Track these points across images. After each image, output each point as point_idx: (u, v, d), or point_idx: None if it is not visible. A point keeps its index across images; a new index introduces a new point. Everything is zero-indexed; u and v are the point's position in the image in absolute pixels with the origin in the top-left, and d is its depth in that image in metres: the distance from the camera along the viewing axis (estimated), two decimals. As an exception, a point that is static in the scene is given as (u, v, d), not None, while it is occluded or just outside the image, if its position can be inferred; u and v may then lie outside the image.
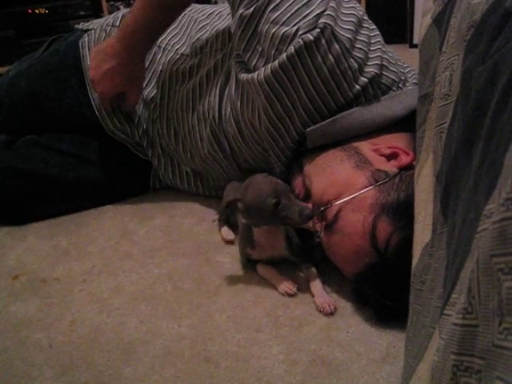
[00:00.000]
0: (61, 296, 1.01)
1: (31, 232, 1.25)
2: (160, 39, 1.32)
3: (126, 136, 1.35)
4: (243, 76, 1.02)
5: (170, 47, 1.31)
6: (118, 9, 3.06)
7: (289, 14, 0.95)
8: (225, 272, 1.04)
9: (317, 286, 0.96)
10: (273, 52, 0.96)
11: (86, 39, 1.37)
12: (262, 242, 1.00)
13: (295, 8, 0.95)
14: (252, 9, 0.99)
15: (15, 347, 0.88)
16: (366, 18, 1.01)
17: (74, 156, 1.33)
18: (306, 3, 0.95)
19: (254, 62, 1.01)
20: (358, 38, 0.95)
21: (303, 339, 0.86)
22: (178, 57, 1.29)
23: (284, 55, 0.93)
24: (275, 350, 0.84)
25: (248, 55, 1.02)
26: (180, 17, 1.34)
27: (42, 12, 2.57)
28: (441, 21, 0.76)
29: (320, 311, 0.91)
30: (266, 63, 0.97)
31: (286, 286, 0.97)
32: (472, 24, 0.58)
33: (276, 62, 0.94)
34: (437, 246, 0.58)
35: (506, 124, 0.42)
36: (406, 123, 0.96)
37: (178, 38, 1.31)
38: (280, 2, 0.96)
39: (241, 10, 1.01)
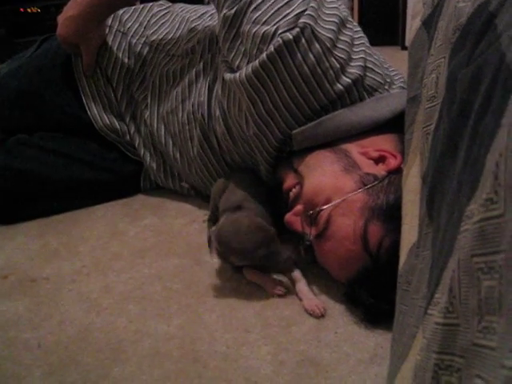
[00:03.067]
0: (50, 296, 1.01)
1: (21, 231, 1.24)
2: (152, 39, 1.33)
3: (116, 136, 1.35)
4: (227, 76, 1.03)
5: (161, 47, 1.32)
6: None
7: (269, 14, 0.96)
8: (214, 272, 1.04)
9: (303, 288, 0.96)
10: (254, 51, 0.97)
11: (78, 39, 1.37)
12: None
13: (276, 8, 0.96)
14: (234, 9, 1.00)
15: (3, 347, 0.88)
16: (349, 19, 1.01)
17: (64, 155, 1.32)
18: (286, 3, 0.95)
19: (237, 62, 1.01)
20: (341, 38, 0.96)
21: (292, 339, 0.86)
22: (169, 58, 1.30)
23: (264, 54, 0.94)
24: (264, 351, 0.84)
25: (232, 55, 1.03)
26: (172, 17, 1.35)
27: (34, 11, 2.57)
28: (430, 23, 0.77)
29: (310, 314, 0.91)
30: (248, 63, 0.98)
31: (275, 287, 0.97)
32: (458, 27, 0.59)
33: (257, 61, 0.95)
34: (422, 246, 0.58)
35: (488, 126, 0.42)
36: (393, 125, 0.97)
37: (170, 38, 1.31)
38: (261, 2, 0.97)
39: (224, 11, 1.02)
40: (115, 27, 1.37)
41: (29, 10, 2.56)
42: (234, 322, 0.90)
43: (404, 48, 2.67)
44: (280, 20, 0.94)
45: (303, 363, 0.81)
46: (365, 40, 1.02)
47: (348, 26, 0.99)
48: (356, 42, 0.98)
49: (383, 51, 1.13)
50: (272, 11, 0.96)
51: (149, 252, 1.13)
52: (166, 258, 1.10)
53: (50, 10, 2.54)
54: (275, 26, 0.94)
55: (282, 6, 0.95)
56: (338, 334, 0.86)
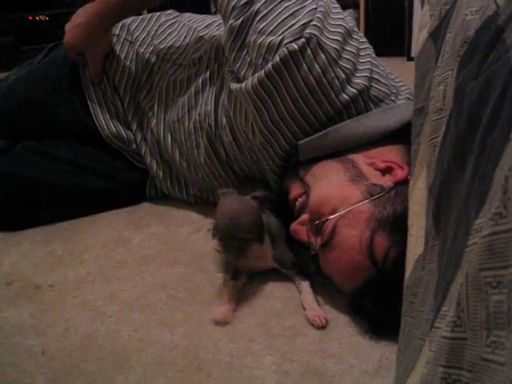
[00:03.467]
0: (54, 303, 1.01)
1: (26, 238, 1.25)
2: (159, 48, 1.33)
3: (122, 144, 1.36)
4: (233, 85, 1.04)
5: (168, 57, 1.32)
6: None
7: (275, 24, 0.96)
8: (219, 282, 1.04)
9: (308, 298, 0.96)
10: (260, 61, 0.97)
11: (86, 47, 1.38)
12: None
13: (281, 18, 0.96)
14: (240, 20, 1.00)
15: (7, 353, 0.88)
16: (355, 29, 1.02)
17: (70, 163, 1.33)
18: (292, 13, 0.96)
19: (243, 72, 1.02)
20: (346, 48, 0.96)
21: (296, 350, 0.86)
22: (176, 67, 1.30)
23: (270, 64, 0.94)
24: (268, 361, 0.84)
25: (238, 65, 1.03)
26: (179, 26, 1.35)
27: (43, 19, 2.59)
28: (437, 35, 0.77)
29: (312, 324, 0.91)
30: (254, 73, 0.99)
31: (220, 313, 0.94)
32: (466, 40, 0.59)
33: (262, 71, 0.96)
34: (429, 258, 0.58)
35: (496, 139, 0.42)
36: (399, 136, 0.97)
37: (177, 48, 1.32)
38: (267, 13, 0.98)
39: (230, 21, 1.02)
40: (123, 36, 1.37)
41: (37, 18, 2.58)
42: (238, 332, 0.90)
43: (410, 59, 2.68)
44: (285, 30, 0.95)
45: (307, 374, 0.81)
46: (370, 51, 1.02)
47: (354, 36, 0.99)
48: (362, 53, 0.99)
49: (389, 62, 1.13)
50: (278, 22, 0.96)
51: (154, 260, 1.13)
52: (170, 267, 1.10)
53: (58, 17, 2.56)
54: (281, 37, 0.94)
55: (287, 17, 0.96)
56: (342, 345, 0.86)
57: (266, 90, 0.96)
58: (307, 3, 0.97)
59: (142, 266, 1.10)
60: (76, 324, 0.94)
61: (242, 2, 1.00)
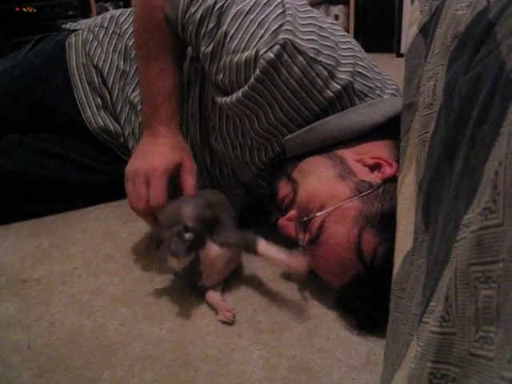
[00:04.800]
0: (41, 297, 1.00)
1: (12, 232, 1.23)
2: None
3: (110, 137, 1.34)
4: (219, 99, 1.03)
5: None
6: (107, 10, 3.06)
7: (246, 40, 0.96)
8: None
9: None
10: (242, 78, 0.97)
11: (73, 40, 1.37)
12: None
13: (250, 32, 0.96)
14: (212, 45, 1.00)
15: (-7, 348, 0.88)
16: (329, 23, 1.01)
17: (57, 156, 1.31)
18: (259, 24, 0.95)
19: (228, 89, 1.01)
20: (324, 43, 0.95)
21: (284, 345, 0.86)
22: None
23: (252, 78, 0.94)
24: (255, 355, 0.84)
25: (220, 83, 1.03)
26: None
27: (30, 11, 2.56)
28: (427, 31, 0.77)
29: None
30: (238, 88, 0.98)
31: (226, 314, 0.92)
32: (456, 35, 0.59)
33: (246, 86, 0.95)
34: (417, 254, 0.58)
35: (486, 134, 0.42)
36: (386, 130, 0.97)
37: None
38: (235, 31, 0.97)
39: (202, 48, 1.02)
40: (111, 29, 1.36)
41: (24, 10, 2.56)
42: (226, 327, 0.90)
43: (399, 55, 2.68)
44: (257, 42, 0.94)
45: (295, 368, 0.81)
46: (352, 45, 1.01)
47: (329, 30, 0.98)
48: (342, 46, 0.98)
49: (378, 58, 1.13)
50: (248, 36, 0.96)
51: (141, 254, 1.12)
52: (158, 261, 1.09)
53: (45, 9, 2.53)
54: (255, 49, 0.94)
55: (255, 29, 0.95)
56: (330, 340, 0.86)
57: (252, 100, 0.96)
58: (271, 9, 0.96)
59: (129, 260, 1.10)
60: (62, 318, 0.94)
61: (209, 28, 1.00)
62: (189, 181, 1.02)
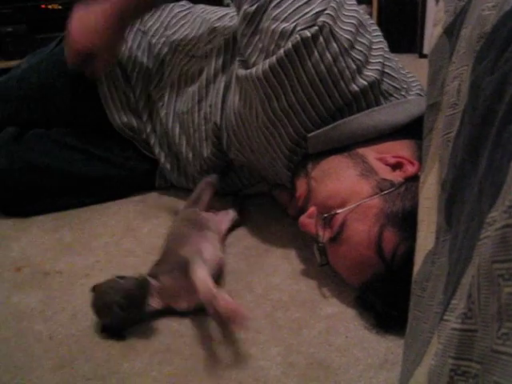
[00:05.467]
0: (63, 289, 1.01)
1: (36, 225, 1.25)
2: (172, 39, 1.33)
3: (133, 133, 1.36)
4: (241, 72, 1.04)
5: (181, 48, 1.32)
6: (131, 8, 3.06)
7: (289, 11, 0.96)
8: (226, 272, 1.05)
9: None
10: (272, 48, 0.97)
11: (98, 37, 1.38)
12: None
13: (296, 6, 0.96)
14: (255, 6, 1.01)
15: (16, 338, 0.89)
16: (369, 23, 1.02)
17: (81, 151, 1.33)
18: (306, 1, 0.96)
19: (253, 59, 1.02)
20: (359, 39, 0.96)
21: (302, 342, 0.86)
22: (188, 58, 1.30)
23: (282, 50, 0.94)
24: (273, 352, 0.84)
25: (248, 51, 1.03)
26: (193, 18, 1.35)
27: (55, 8, 2.59)
28: (451, 31, 0.77)
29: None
30: (264, 59, 0.98)
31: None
32: (482, 35, 0.59)
33: (274, 57, 0.96)
34: (439, 253, 0.58)
35: (512, 134, 0.42)
36: (409, 131, 0.97)
37: (190, 39, 1.32)
38: (282, 0, 0.98)
39: (245, 7, 1.03)
40: (136, 26, 1.37)
41: (50, 7, 2.58)
42: (244, 323, 0.90)
43: (422, 56, 2.66)
44: (299, 18, 0.95)
45: (313, 366, 0.81)
46: (384, 45, 1.02)
47: (368, 29, 0.99)
48: (375, 46, 0.99)
49: (401, 59, 1.12)
50: (292, 9, 0.96)
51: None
52: (178, 257, 1.10)
53: (70, 6, 2.55)
54: (294, 24, 0.94)
55: (301, 5, 0.96)
56: (348, 338, 0.86)
57: (276, 76, 0.96)
58: None
59: (150, 255, 1.10)
60: (84, 311, 0.95)
61: None
62: None
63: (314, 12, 0.94)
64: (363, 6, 2.70)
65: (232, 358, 0.83)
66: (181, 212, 1.15)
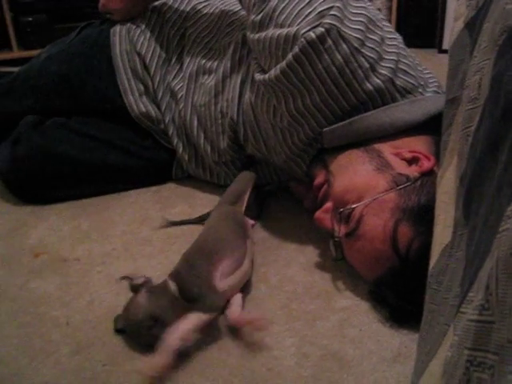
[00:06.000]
0: (80, 276, 1.03)
1: (54, 212, 1.27)
2: (190, 31, 1.34)
3: (151, 123, 1.37)
4: (257, 76, 1.05)
5: (199, 40, 1.33)
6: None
7: (292, 16, 0.97)
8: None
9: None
10: (280, 53, 0.98)
11: (118, 27, 1.39)
12: None
13: (298, 9, 0.97)
14: (260, 15, 1.02)
15: (34, 322, 0.90)
16: (380, 17, 1.01)
17: (99, 140, 1.34)
18: (308, 2, 0.96)
19: (267, 65, 1.03)
20: (370, 37, 0.95)
21: (316, 333, 0.87)
22: (206, 50, 1.31)
23: (290, 55, 0.95)
24: (288, 343, 0.85)
25: (260, 57, 1.05)
26: (211, 10, 1.36)
27: (76, -3, 2.60)
28: (473, 25, 0.76)
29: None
30: (276, 64, 0.99)
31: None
32: (505, 29, 0.58)
33: (284, 62, 0.96)
34: (456, 247, 0.58)
35: (533, 127, 0.42)
36: (426, 128, 0.96)
37: (208, 32, 1.33)
38: (285, 6, 0.99)
39: (252, 16, 1.04)
40: (154, 17, 1.38)
41: (70, -3, 2.60)
42: (259, 313, 0.91)
43: (441, 51, 2.64)
44: (302, 20, 0.95)
45: (326, 357, 0.82)
46: (398, 41, 1.01)
47: (378, 24, 0.98)
48: (388, 42, 0.98)
49: (420, 54, 1.12)
50: (294, 13, 0.97)
51: (178, 239, 1.14)
52: (194, 246, 1.11)
53: (90, -3, 2.57)
54: (297, 27, 0.94)
55: (304, 7, 0.96)
56: (362, 331, 0.87)
57: (288, 80, 0.97)
58: None
59: (166, 244, 1.12)
60: (101, 298, 0.96)
61: None
62: None
63: (317, 12, 0.94)
64: (383, 0, 2.68)
65: (245, 347, 0.84)
66: (222, 206, 1.07)
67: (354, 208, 0.91)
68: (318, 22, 0.93)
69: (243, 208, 1.06)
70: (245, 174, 1.15)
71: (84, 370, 0.81)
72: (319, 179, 1.03)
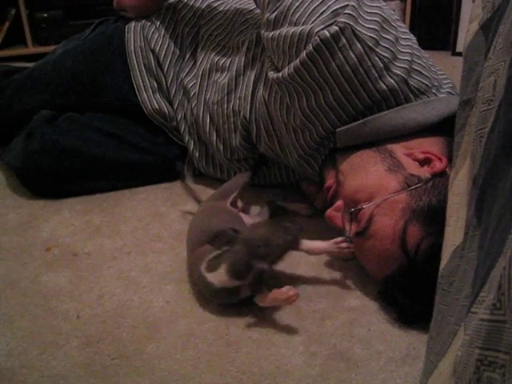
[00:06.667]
0: (90, 270, 1.03)
1: (66, 207, 1.27)
2: (204, 28, 1.34)
3: (163, 120, 1.37)
4: (270, 74, 1.05)
5: (213, 38, 1.33)
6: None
7: (307, 14, 0.97)
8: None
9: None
10: (294, 51, 0.98)
11: (133, 24, 1.40)
12: None
13: (312, 7, 0.97)
14: (275, 13, 1.02)
15: (44, 315, 0.91)
16: (395, 18, 1.01)
17: (112, 136, 1.35)
18: (322, 1, 0.96)
19: (280, 62, 1.03)
20: (384, 36, 0.95)
21: (324, 332, 0.87)
22: (220, 48, 1.31)
23: (304, 53, 0.95)
24: (296, 341, 0.85)
25: (275, 56, 1.05)
26: (226, 8, 1.36)
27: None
28: (488, 27, 0.76)
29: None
30: (289, 62, 0.99)
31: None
32: (521, 31, 0.58)
33: (297, 60, 0.96)
34: (468, 248, 0.58)
35: (548, 129, 0.42)
36: (439, 129, 0.96)
37: (222, 30, 1.33)
38: (299, 5, 0.99)
39: (266, 14, 1.04)
40: (169, 15, 1.39)
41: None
42: (268, 311, 0.91)
43: (455, 54, 2.63)
44: (316, 19, 0.95)
45: (334, 356, 0.82)
46: (412, 42, 1.01)
47: (393, 24, 0.98)
48: (402, 43, 0.98)
49: (433, 56, 1.12)
50: (309, 11, 0.97)
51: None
52: (204, 243, 1.11)
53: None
54: (311, 25, 0.95)
55: (318, 5, 0.97)
56: (371, 331, 0.87)
57: (302, 78, 0.97)
58: None
59: (177, 241, 1.12)
60: (111, 292, 0.97)
61: None
62: None
63: (331, 10, 0.94)
64: (397, 2, 2.67)
65: (254, 344, 0.84)
66: (204, 203, 1.16)
67: (365, 207, 0.91)
68: (332, 21, 0.93)
69: (227, 203, 1.10)
70: (238, 174, 1.22)
71: (93, 363, 0.81)
72: (330, 181, 1.03)
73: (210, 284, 0.87)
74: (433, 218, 0.85)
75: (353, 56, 0.93)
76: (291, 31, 0.98)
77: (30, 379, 0.79)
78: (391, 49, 0.95)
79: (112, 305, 0.94)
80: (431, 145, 0.97)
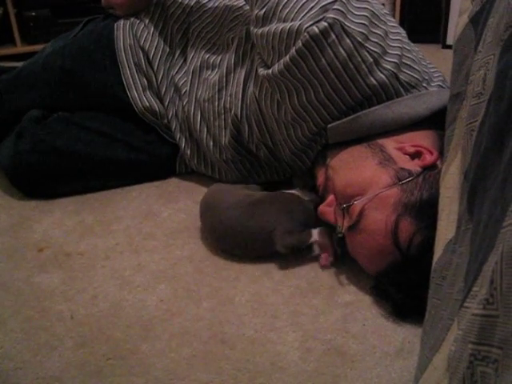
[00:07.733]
0: (84, 270, 1.03)
1: (58, 207, 1.27)
2: (194, 25, 1.34)
3: (154, 117, 1.37)
4: (260, 71, 1.05)
5: (202, 35, 1.33)
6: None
7: (296, 10, 0.97)
8: (246, 257, 1.05)
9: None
10: (283, 48, 0.98)
11: (122, 22, 1.39)
12: None
13: (301, 3, 0.97)
14: (264, 10, 1.02)
15: (38, 316, 0.91)
16: (383, 12, 1.00)
17: (103, 135, 1.34)
18: None
19: (270, 59, 1.03)
20: (373, 31, 0.95)
21: (319, 328, 0.87)
22: (210, 45, 1.31)
23: (293, 49, 0.95)
24: (291, 337, 0.85)
25: (264, 52, 1.05)
26: (215, 5, 1.36)
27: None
28: (478, 20, 0.76)
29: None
30: (279, 59, 0.99)
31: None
32: (510, 24, 0.58)
33: (287, 56, 0.96)
34: (460, 242, 0.58)
35: (538, 122, 0.42)
36: (430, 123, 0.96)
37: (212, 27, 1.32)
38: (288, 0, 0.99)
39: (255, 11, 1.04)
40: (158, 12, 1.38)
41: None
42: (262, 308, 0.91)
43: (445, 46, 2.63)
44: (305, 15, 0.95)
45: (329, 352, 0.82)
46: (401, 36, 1.01)
47: (382, 19, 0.98)
48: (392, 37, 0.98)
49: (424, 49, 1.12)
50: (298, 7, 0.97)
51: (181, 234, 1.14)
52: (197, 241, 1.11)
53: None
54: (300, 21, 0.95)
55: (306, 1, 0.96)
56: (365, 326, 0.87)
57: (292, 75, 0.97)
58: None
59: (169, 239, 1.12)
60: (104, 292, 0.97)
61: None
62: None
63: (320, 6, 0.94)
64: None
65: (249, 341, 0.84)
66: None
67: (356, 203, 0.91)
68: (321, 17, 0.93)
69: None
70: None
71: (88, 363, 0.81)
72: (321, 178, 1.03)
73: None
74: (424, 212, 0.85)
75: (342, 51, 0.93)
76: (280, 27, 0.98)
77: (24, 381, 0.78)
78: (381, 43, 0.95)
79: (106, 304, 0.94)
80: (422, 138, 0.97)
